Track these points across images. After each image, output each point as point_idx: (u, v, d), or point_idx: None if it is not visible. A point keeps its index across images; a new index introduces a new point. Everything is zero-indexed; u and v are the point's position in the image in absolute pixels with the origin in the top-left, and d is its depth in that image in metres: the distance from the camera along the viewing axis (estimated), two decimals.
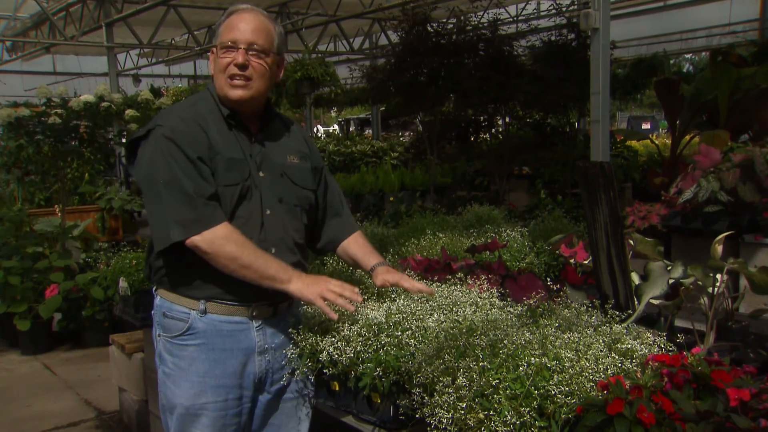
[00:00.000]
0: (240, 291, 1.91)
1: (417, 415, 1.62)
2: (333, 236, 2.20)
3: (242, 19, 1.92)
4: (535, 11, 12.32)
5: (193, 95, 2.11)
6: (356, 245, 2.18)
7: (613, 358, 1.57)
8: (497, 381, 1.49)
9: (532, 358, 1.52)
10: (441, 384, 1.56)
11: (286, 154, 2.05)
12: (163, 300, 1.98)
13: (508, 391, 1.48)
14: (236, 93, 1.91)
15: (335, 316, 1.84)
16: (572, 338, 1.63)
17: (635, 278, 2.15)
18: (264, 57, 1.92)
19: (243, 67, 1.89)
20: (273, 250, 1.93)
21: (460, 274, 2.35)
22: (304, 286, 1.86)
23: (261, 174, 1.96)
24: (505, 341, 1.60)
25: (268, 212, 1.95)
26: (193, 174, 1.83)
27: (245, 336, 1.95)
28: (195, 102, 2.01)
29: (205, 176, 1.85)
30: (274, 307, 1.98)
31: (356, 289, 1.89)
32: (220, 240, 1.81)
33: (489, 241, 3.15)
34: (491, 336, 1.65)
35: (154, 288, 2.05)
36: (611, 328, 1.73)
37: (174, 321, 1.95)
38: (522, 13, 12.43)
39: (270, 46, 1.94)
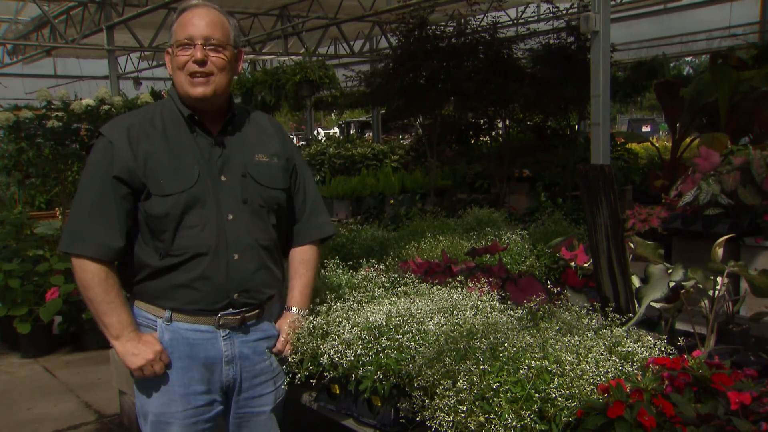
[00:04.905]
0: (205, 301, 1.88)
1: (417, 418, 1.62)
2: (292, 241, 2.13)
3: (195, 14, 1.89)
4: (534, 14, 12.32)
5: (156, 102, 2.06)
6: (297, 263, 2.10)
7: (614, 361, 1.57)
8: (498, 384, 1.49)
9: (533, 361, 1.52)
10: (441, 387, 1.57)
11: (253, 152, 1.98)
12: (135, 307, 1.97)
13: (508, 395, 1.48)
14: (198, 90, 1.87)
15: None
16: (573, 341, 1.63)
17: (636, 281, 2.15)
18: (222, 50, 1.89)
19: (202, 62, 1.86)
20: (235, 257, 1.89)
21: (460, 277, 2.35)
22: (126, 352, 1.87)
23: (223, 178, 1.91)
24: (506, 344, 1.60)
25: (231, 217, 1.90)
26: (96, 192, 1.84)
27: (212, 345, 1.92)
28: (150, 109, 1.98)
29: (106, 195, 1.84)
30: (240, 317, 1.94)
31: (164, 364, 1.89)
32: (81, 280, 1.85)
33: (489, 243, 3.15)
34: (492, 339, 1.65)
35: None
36: (612, 331, 1.73)
37: (143, 328, 1.93)
38: (521, 17, 12.44)
39: (227, 39, 1.91)
